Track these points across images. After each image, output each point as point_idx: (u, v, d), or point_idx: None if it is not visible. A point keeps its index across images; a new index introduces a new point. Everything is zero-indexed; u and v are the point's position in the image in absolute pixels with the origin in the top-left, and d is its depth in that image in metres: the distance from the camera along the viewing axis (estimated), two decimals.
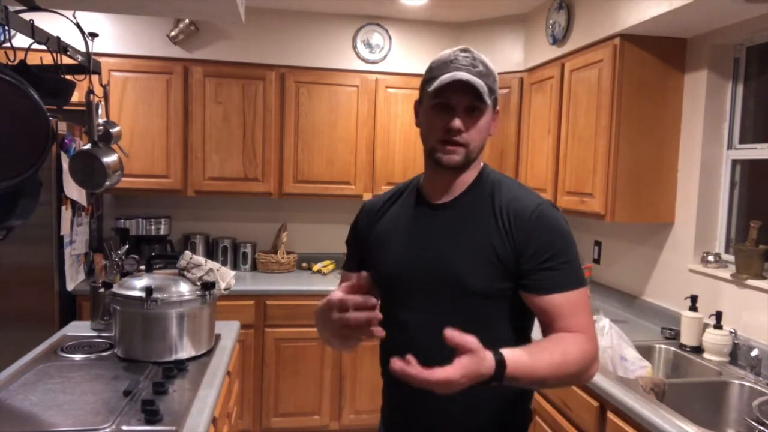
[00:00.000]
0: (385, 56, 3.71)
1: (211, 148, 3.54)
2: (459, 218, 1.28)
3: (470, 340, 0.99)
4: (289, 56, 3.61)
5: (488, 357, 1.01)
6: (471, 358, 0.99)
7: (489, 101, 1.22)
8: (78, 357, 2.04)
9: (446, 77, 1.19)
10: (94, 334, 2.31)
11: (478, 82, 1.19)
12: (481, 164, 1.34)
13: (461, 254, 1.24)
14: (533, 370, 1.07)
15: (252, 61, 3.57)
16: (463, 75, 1.19)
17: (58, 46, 1.90)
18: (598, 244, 3.34)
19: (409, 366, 0.97)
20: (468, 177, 1.30)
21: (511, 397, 1.29)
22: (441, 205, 1.31)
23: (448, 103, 1.22)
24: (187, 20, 3.40)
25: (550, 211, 1.25)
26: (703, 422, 1.74)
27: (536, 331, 1.29)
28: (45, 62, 1.88)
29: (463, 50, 1.24)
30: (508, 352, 1.04)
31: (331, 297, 1.17)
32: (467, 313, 1.22)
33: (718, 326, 2.32)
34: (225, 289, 2.17)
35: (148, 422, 1.54)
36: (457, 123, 1.21)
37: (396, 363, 0.97)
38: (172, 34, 3.43)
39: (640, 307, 2.93)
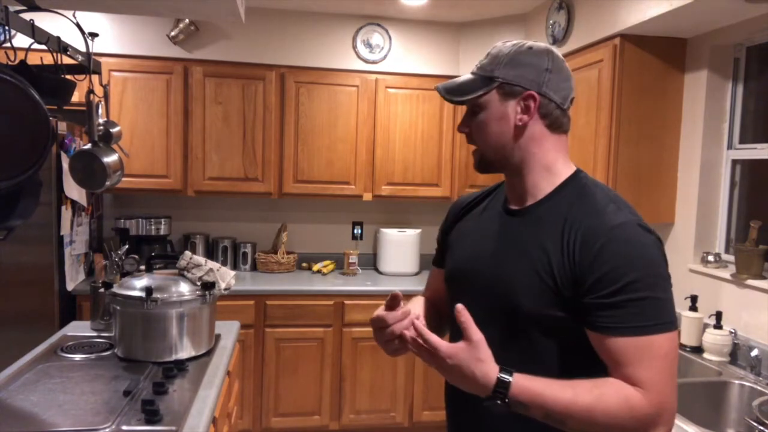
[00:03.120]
0: (385, 56, 3.71)
1: (211, 148, 3.54)
2: (528, 228, 1.14)
3: (475, 331, 0.98)
4: (289, 56, 3.61)
5: (490, 366, 0.97)
6: (465, 348, 0.97)
7: (471, 95, 1.13)
8: (78, 357, 2.04)
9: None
10: (94, 334, 2.31)
11: (453, 84, 1.16)
12: (573, 168, 1.18)
13: (517, 269, 1.11)
14: (545, 402, 0.96)
15: (252, 61, 3.57)
16: (440, 84, 1.17)
17: (58, 46, 1.90)
18: None
19: (418, 323, 1.04)
20: (541, 182, 1.15)
21: None
22: (516, 211, 1.19)
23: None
24: (187, 20, 3.40)
25: (632, 233, 1.03)
26: (703, 422, 1.74)
27: None
28: (45, 62, 1.88)
29: (494, 47, 1.18)
30: (519, 374, 0.97)
31: (372, 316, 1.15)
32: (514, 336, 1.09)
33: (718, 326, 2.32)
34: (225, 289, 2.17)
35: (148, 422, 1.54)
36: (459, 128, 1.19)
37: (416, 323, 1.04)
38: (172, 34, 3.43)
39: None
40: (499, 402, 0.97)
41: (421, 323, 1.04)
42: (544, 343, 1.08)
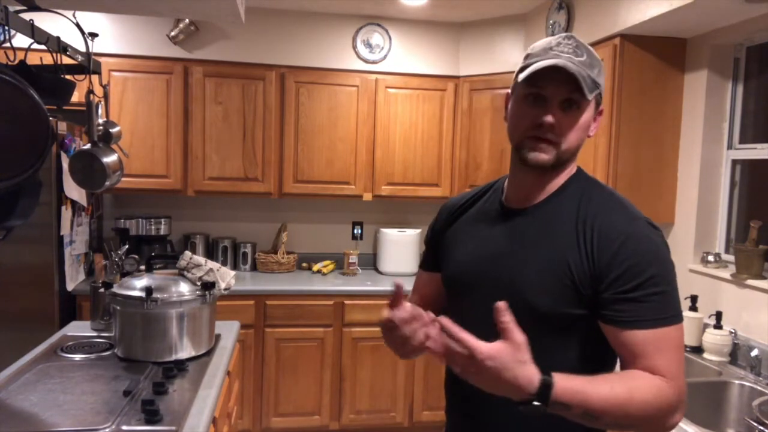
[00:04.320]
0: (385, 56, 3.71)
1: (211, 148, 3.54)
2: (535, 227, 1.13)
3: (519, 332, 0.90)
4: (289, 56, 3.61)
5: (532, 369, 0.91)
6: (508, 349, 0.90)
7: (590, 96, 1.05)
8: (78, 357, 2.04)
9: (542, 63, 1.05)
10: (94, 334, 2.31)
11: (579, 71, 1.04)
12: (575, 168, 1.17)
13: (529, 269, 1.09)
14: (586, 399, 0.94)
15: (252, 61, 3.57)
16: (561, 61, 1.04)
17: (58, 46, 1.90)
18: None
19: (446, 321, 0.92)
20: (555, 182, 1.15)
21: None
22: (520, 210, 1.16)
23: (541, 94, 1.07)
24: (187, 20, 3.40)
25: (645, 231, 1.06)
26: (703, 422, 1.74)
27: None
28: (45, 62, 1.88)
29: (567, 37, 1.10)
30: (558, 374, 0.93)
31: (380, 318, 1.04)
32: (527, 337, 1.05)
33: (718, 326, 2.32)
34: (225, 289, 2.17)
35: (148, 422, 1.54)
36: (550, 118, 1.06)
37: (446, 324, 0.92)
38: (172, 34, 3.43)
39: None
40: (537, 404, 0.92)
41: (448, 321, 0.93)
42: (559, 342, 1.08)
